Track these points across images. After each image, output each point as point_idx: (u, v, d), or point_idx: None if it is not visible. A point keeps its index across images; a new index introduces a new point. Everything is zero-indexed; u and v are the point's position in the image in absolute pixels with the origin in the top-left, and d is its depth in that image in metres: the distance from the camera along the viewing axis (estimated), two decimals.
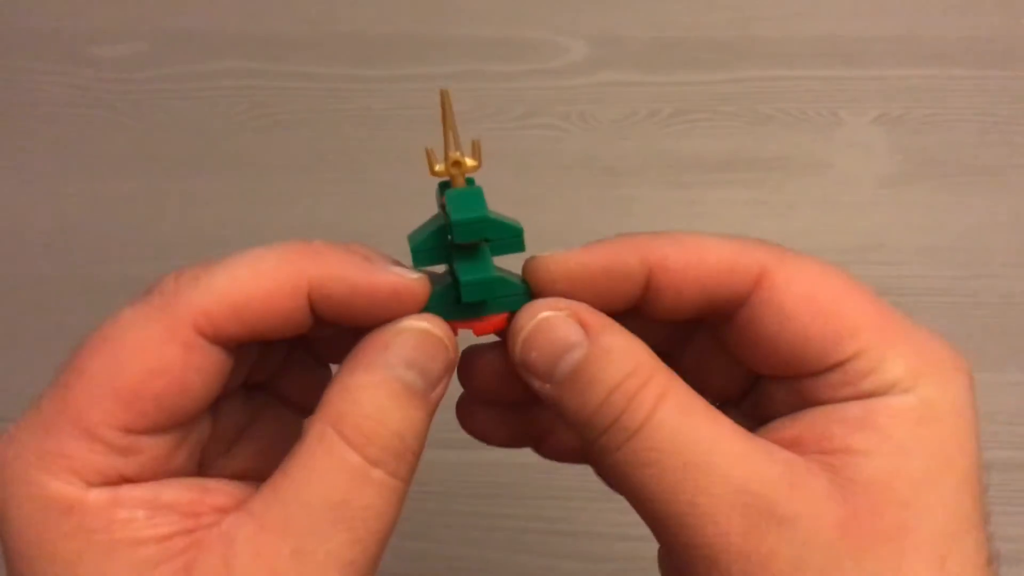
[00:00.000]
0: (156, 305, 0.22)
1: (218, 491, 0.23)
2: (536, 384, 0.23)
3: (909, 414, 0.22)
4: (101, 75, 0.55)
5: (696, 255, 0.23)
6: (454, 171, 0.24)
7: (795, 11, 0.54)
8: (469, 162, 0.24)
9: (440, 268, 0.25)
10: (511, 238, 0.24)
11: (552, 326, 0.23)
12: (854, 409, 0.22)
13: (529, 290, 0.25)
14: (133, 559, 0.21)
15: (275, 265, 0.22)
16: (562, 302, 0.23)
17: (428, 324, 0.23)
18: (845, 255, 0.50)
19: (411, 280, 0.23)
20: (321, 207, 0.50)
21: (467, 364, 0.26)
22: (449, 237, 0.24)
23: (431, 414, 0.23)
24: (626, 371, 0.22)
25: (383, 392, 0.22)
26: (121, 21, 0.56)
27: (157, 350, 0.22)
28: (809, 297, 0.23)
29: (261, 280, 0.22)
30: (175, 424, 0.23)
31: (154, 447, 0.22)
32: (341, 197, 0.49)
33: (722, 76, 0.54)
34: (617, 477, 0.22)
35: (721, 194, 0.51)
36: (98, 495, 0.21)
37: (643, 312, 0.24)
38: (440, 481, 0.44)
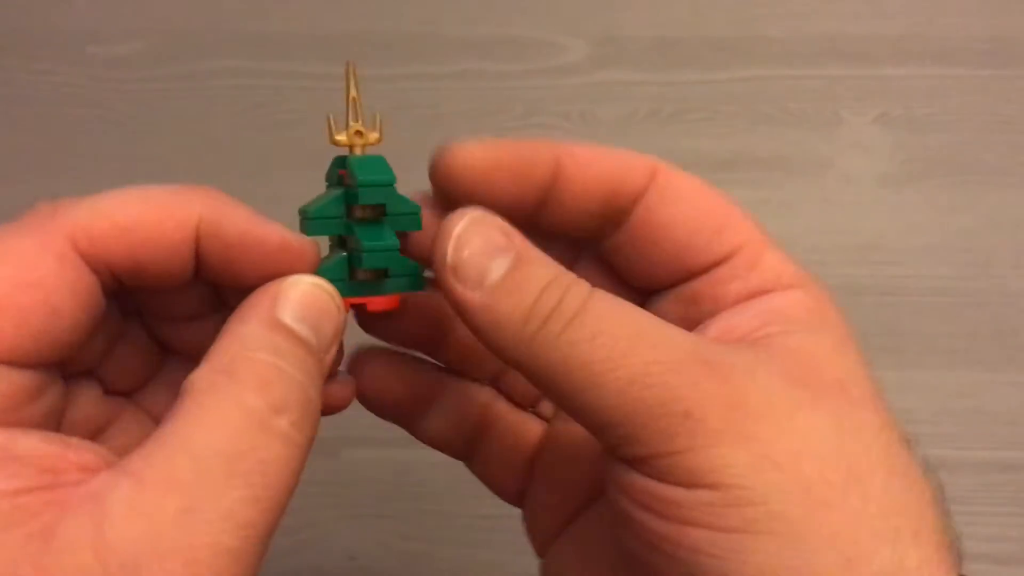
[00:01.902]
0: (30, 221, 0.20)
1: (83, 448, 0.20)
2: (461, 293, 0.22)
3: (804, 304, 0.23)
4: (99, 75, 0.55)
5: (600, 151, 0.24)
6: (356, 140, 0.24)
7: (795, 11, 0.54)
8: (372, 135, 0.24)
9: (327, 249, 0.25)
10: (408, 214, 0.24)
11: (485, 224, 0.22)
12: (757, 305, 0.23)
13: (422, 271, 0.25)
14: None
15: (167, 196, 0.21)
16: (486, 210, 0.23)
17: (320, 281, 0.22)
18: (845, 255, 0.50)
19: (302, 239, 0.23)
20: None
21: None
22: (347, 207, 0.24)
23: (322, 379, 0.22)
24: (555, 272, 0.22)
25: (281, 338, 0.21)
26: (119, 21, 0.55)
27: (27, 260, 0.19)
28: (696, 189, 0.25)
29: (150, 206, 0.21)
30: (38, 355, 0.20)
31: (10, 382, 0.19)
32: None
33: (722, 76, 0.54)
34: (564, 361, 0.21)
35: None
36: None
37: (542, 222, 0.25)
38: (440, 481, 0.44)
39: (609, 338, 0.21)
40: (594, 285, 0.26)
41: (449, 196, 0.24)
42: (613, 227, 0.25)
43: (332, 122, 0.24)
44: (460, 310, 0.22)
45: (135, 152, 0.53)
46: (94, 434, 0.24)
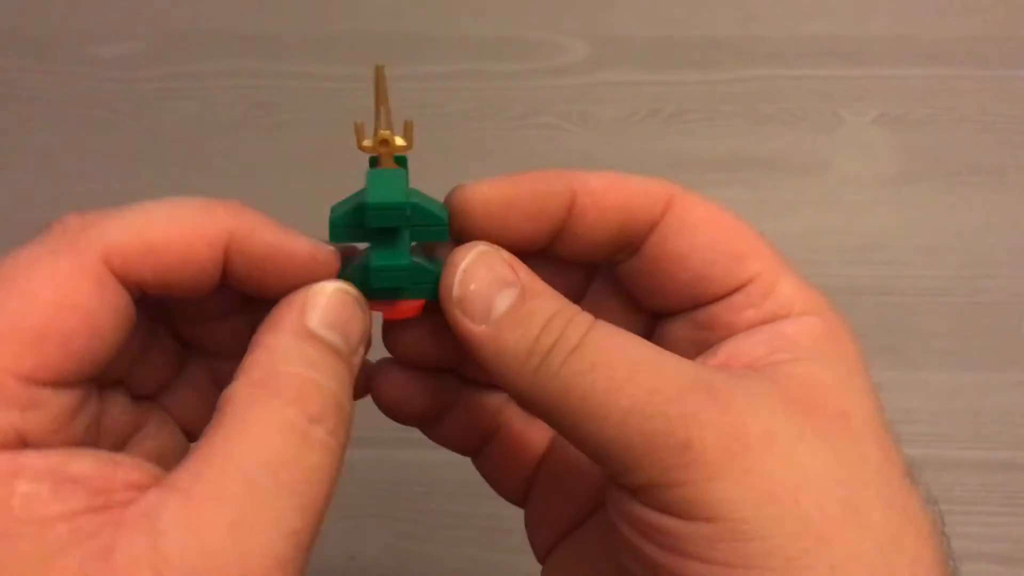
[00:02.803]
0: (61, 240, 0.20)
1: (130, 466, 0.20)
2: (467, 326, 0.22)
3: (816, 331, 0.23)
4: (100, 75, 0.55)
5: (615, 180, 0.24)
6: (382, 149, 0.24)
7: (795, 11, 0.54)
8: (398, 141, 0.24)
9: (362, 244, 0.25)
10: (434, 225, 0.24)
11: (491, 259, 0.23)
12: (768, 331, 0.23)
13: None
14: (38, 543, 0.17)
15: (195, 212, 0.22)
16: (492, 245, 0.23)
17: (345, 286, 0.23)
18: (845, 255, 0.50)
19: (326, 250, 0.23)
20: (321, 207, 0.50)
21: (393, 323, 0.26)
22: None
23: (352, 383, 0.22)
24: (559, 305, 0.22)
25: (312, 349, 0.21)
26: (120, 21, 0.55)
27: (66, 283, 0.20)
28: (712, 219, 0.24)
29: (180, 225, 0.21)
30: (81, 374, 0.20)
31: (57, 404, 0.20)
32: (341, 197, 0.49)
33: (722, 76, 0.54)
34: (565, 393, 0.21)
35: (721, 194, 0.50)
36: None
37: (556, 250, 0.25)
38: (440, 481, 0.44)
39: (608, 368, 0.21)
40: (607, 306, 0.26)
41: (465, 236, 0.24)
42: (627, 254, 0.25)
43: (360, 129, 0.23)
44: (466, 342, 0.22)
45: (135, 152, 0.53)
46: (124, 440, 0.24)
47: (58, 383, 0.20)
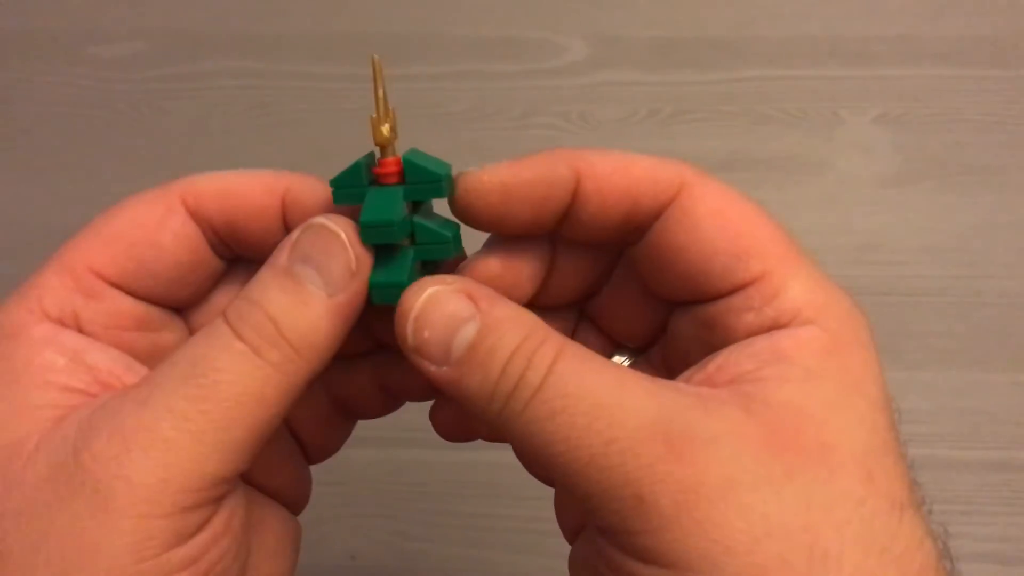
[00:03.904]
0: (156, 187, 0.25)
1: (138, 375, 0.23)
2: (430, 369, 0.22)
3: (815, 343, 0.22)
4: (100, 75, 0.55)
5: (622, 164, 0.24)
6: (391, 139, 0.24)
7: (795, 11, 0.54)
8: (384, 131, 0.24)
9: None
10: (437, 243, 0.24)
11: (442, 300, 0.22)
12: (761, 342, 0.22)
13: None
14: (31, 395, 0.22)
15: (263, 173, 0.25)
16: (448, 278, 0.23)
17: (327, 220, 0.23)
18: (845, 255, 0.50)
19: None
20: None
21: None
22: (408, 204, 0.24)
23: (336, 319, 0.23)
24: (521, 336, 0.21)
25: (274, 283, 0.23)
26: (120, 21, 0.55)
27: (145, 208, 0.24)
28: (719, 212, 0.23)
29: (247, 178, 0.25)
30: (141, 284, 0.24)
31: (114, 302, 0.24)
32: None
33: (722, 76, 0.54)
34: (527, 439, 0.21)
35: None
36: (42, 329, 0.23)
37: (565, 232, 0.24)
38: (440, 481, 0.44)
39: (568, 416, 0.20)
40: (629, 286, 0.26)
41: (470, 224, 0.24)
42: (636, 237, 0.25)
43: (374, 122, 0.24)
44: (432, 384, 0.22)
45: (135, 152, 0.53)
46: None
47: (120, 285, 0.24)
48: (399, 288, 0.23)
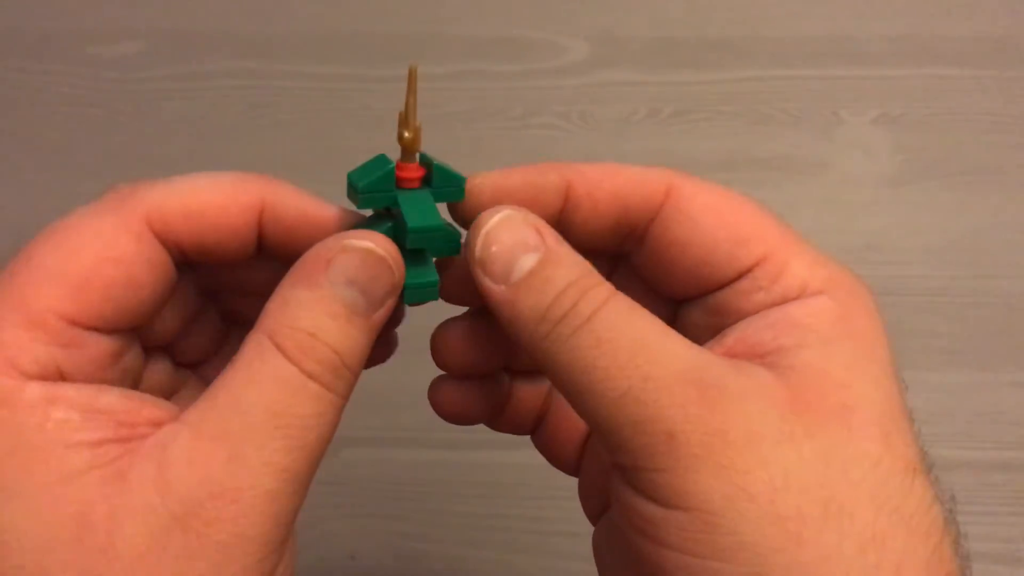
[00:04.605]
0: (109, 201, 0.23)
1: (154, 405, 0.22)
2: (488, 286, 0.23)
3: (827, 313, 0.23)
4: (100, 75, 0.55)
5: (610, 170, 0.25)
6: (417, 140, 0.25)
7: (795, 11, 0.54)
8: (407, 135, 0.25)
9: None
10: (447, 243, 0.25)
11: (514, 223, 0.23)
12: (775, 314, 0.23)
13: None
14: (64, 462, 0.20)
15: (231, 181, 0.24)
16: (521, 208, 0.24)
17: (372, 243, 0.23)
18: (845, 255, 0.50)
19: (355, 216, 0.25)
20: None
21: (438, 338, 0.27)
22: (395, 225, 0.25)
23: (372, 334, 0.23)
24: (578, 274, 0.22)
25: (321, 308, 0.22)
26: (119, 21, 0.55)
27: (109, 238, 0.22)
28: (713, 206, 0.24)
29: (217, 192, 0.24)
30: (120, 323, 0.23)
31: (96, 347, 0.22)
32: (341, 197, 0.49)
33: (722, 76, 0.54)
34: (568, 364, 0.22)
35: None
36: (34, 390, 0.21)
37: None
38: (440, 481, 0.44)
39: (611, 347, 0.21)
40: (631, 293, 0.26)
41: (465, 226, 0.25)
42: (634, 243, 0.25)
43: (402, 118, 0.24)
44: (486, 299, 0.23)
45: (135, 152, 0.53)
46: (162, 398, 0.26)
47: (98, 327, 0.22)
48: (434, 287, 0.25)
